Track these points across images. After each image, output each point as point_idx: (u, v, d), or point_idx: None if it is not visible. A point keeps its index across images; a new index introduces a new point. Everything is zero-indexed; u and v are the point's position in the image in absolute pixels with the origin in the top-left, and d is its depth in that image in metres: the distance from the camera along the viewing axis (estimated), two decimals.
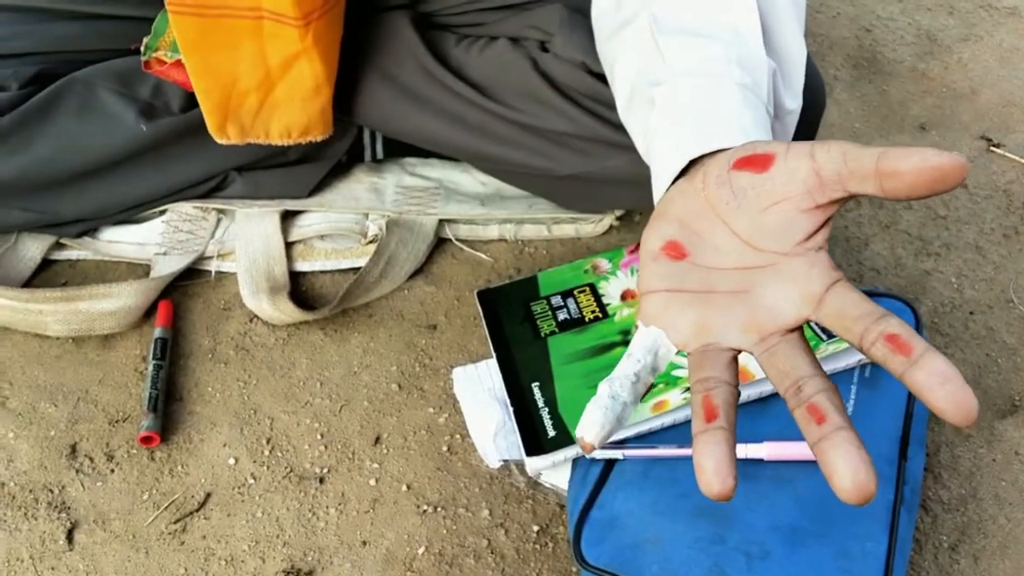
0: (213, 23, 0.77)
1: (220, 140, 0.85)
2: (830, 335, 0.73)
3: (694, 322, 0.42)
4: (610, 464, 0.71)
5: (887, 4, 1.30)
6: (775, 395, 0.72)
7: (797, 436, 0.69)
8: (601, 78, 0.78)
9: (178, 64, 0.83)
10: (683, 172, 0.48)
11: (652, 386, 0.44)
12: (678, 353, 0.43)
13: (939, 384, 0.34)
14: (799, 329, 0.40)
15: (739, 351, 0.42)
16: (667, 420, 0.72)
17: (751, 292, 0.41)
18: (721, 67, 0.52)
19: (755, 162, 0.41)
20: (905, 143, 1.08)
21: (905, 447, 0.70)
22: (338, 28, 0.83)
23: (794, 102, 0.59)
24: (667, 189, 0.48)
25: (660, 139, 0.52)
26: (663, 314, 0.43)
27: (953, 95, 1.16)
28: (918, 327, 0.78)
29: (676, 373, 0.73)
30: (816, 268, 0.40)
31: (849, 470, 0.34)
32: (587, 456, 0.72)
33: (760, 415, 0.71)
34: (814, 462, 0.68)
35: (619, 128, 0.78)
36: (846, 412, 0.37)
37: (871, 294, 0.82)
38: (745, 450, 0.69)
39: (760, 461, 0.69)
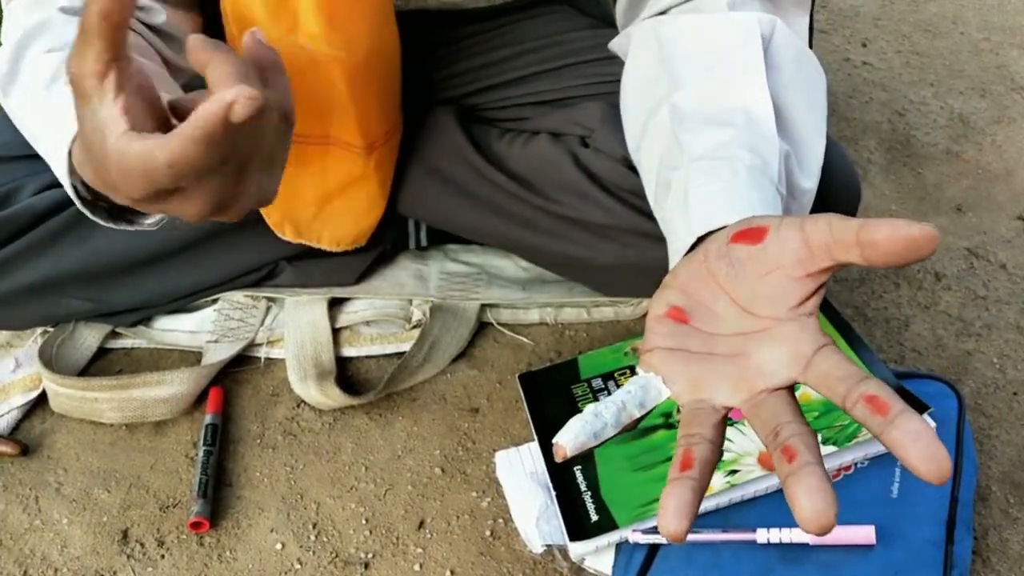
0: None
1: (278, 234, 0.89)
2: None
3: (690, 379, 0.45)
4: (654, 549, 0.71)
5: (919, 88, 1.33)
6: None
7: (842, 520, 0.69)
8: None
9: None
10: (691, 248, 0.51)
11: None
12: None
13: (912, 441, 0.35)
14: (788, 388, 0.42)
15: (729, 408, 0.44)
16: (709, 504, 0.72)
17: (745, 355, 0.44)
18: (732, 151, 0.55)
19: (750, 235, 0.44)
20: (942, 225, 1.09)
21: (952, 530, 0.69)
22: (396, 151, 0.87)
23: (809, 181, 0.61)
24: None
25: (674, 222, 0.56)
26: (663, 367, 0.46)
27: (988, 176, 1.17)
28: (961, 409, 0.77)
29: None
30: (806, 332, 0.42)
31: (809, 501, 0.36)
32: (630, 541, 0.72)
33: None
34: (862, 547, 0.68)
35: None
36: (819, 452, 0.38)
37: (912, 376, 0.82)
38: (790, 534, 0.69)
39: (805, 546, 0.68)
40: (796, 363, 0.41)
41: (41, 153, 0.66)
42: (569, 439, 0.45)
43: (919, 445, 0.35)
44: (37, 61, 0.66)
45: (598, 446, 0.45)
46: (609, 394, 0.84)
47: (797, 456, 0.38)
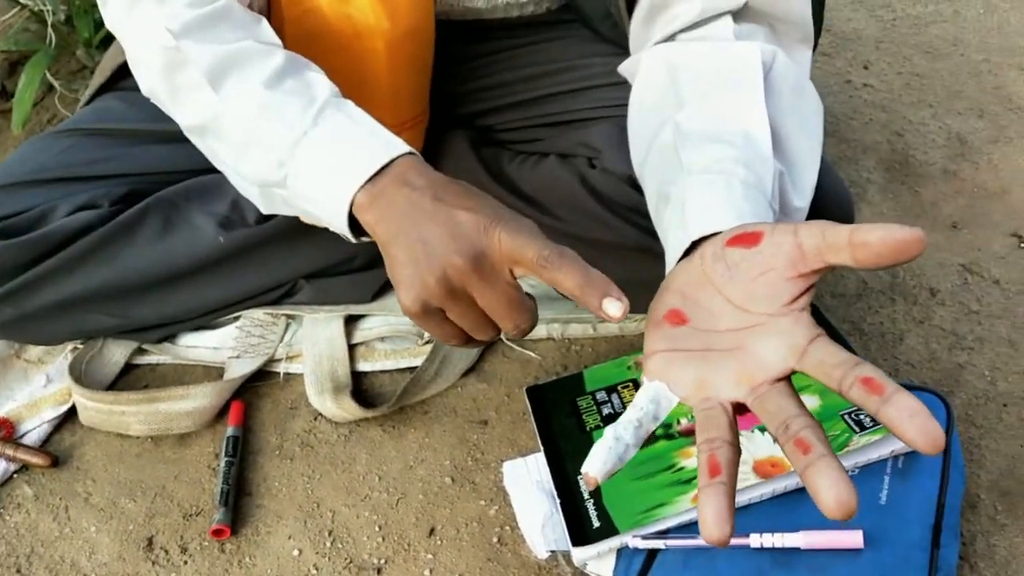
0: None
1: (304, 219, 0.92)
2: (862, 427, 0.77)
3: (693, 377, 0.48)
4: (652, 554, 0.74)
5: (918, 109, 1.36)
6: None
7: (833, 525, 0.72)
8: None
9: None
10: (686, 254, 0.55)
11: (654, 435, 0.49)
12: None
13: (908, 418, 0.39)
14: (787, 379, 0.46)
15: (735, 403, 0.47)
16: None
17: (743, 349, 0.47)
18: (729, 166, 0.60)
19: (745, 239, 0.48)
20: (938, 242, 1.12)
21: (938, 535, 0.72)
22: (420, 143, 0.91)
23: (802, 201, 0.65)
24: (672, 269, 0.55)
25: (671, 231, 0.60)
26: (665, 370, 0.49)
27: (984, 195, 1.20)
28: (950, 419, 0.81)
29: None
30: (799, 325, 0.46)
31: (832, 490, 0.39)
32: (630, 546, 0.75)
33: (797, 505, 0.74)
34: (851, 551, 0.71)
35: None
36: (829, 444, 0.42)
37: (905, 387, 0.85)
38: (782, 539, 0.72)
39: (796, 550, 0.72)
40: (792, 353, 0.45)
41: (261, 141, 0.65)
42: (598, 467, 0.47)
43: (916, 421, 0.39)
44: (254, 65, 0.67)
45: (623, 467, 0.48)
46: (613, 407, 0.87)
47: (812, 448, 0.41)
